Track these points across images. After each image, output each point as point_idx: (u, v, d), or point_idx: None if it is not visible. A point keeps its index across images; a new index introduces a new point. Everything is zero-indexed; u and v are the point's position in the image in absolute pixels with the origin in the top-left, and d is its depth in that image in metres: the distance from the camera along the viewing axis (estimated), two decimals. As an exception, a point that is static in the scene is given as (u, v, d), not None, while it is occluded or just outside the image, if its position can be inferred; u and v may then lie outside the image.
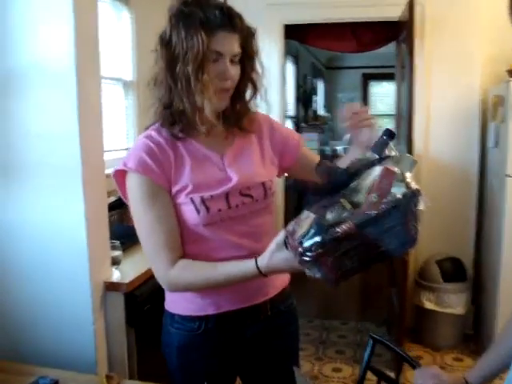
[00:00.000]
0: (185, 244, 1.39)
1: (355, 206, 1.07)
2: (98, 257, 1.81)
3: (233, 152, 1.45)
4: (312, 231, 1.07)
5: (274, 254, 1.20)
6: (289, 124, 6.75)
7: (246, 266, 1.27)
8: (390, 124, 8.67)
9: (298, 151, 1.59)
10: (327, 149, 8.07)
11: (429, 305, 3.57)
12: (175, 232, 1.37)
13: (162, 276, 1.35)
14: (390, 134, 1.17)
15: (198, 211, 1.35)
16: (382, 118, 8.61)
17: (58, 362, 1.77)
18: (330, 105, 9.10)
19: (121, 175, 1.38)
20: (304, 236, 1.08)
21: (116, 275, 1.97)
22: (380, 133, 1.19)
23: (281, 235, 1.18)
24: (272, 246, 1.21)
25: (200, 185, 1.36)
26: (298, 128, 7.27)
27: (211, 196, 1.36)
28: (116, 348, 1.92)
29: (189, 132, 1.39)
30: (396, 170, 1.09)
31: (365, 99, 9.14)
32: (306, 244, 1.07)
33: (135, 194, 1.36)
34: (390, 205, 1.05)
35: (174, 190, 1.36)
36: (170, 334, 1.50)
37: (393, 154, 1.13)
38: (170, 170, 1.36)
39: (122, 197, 1.43)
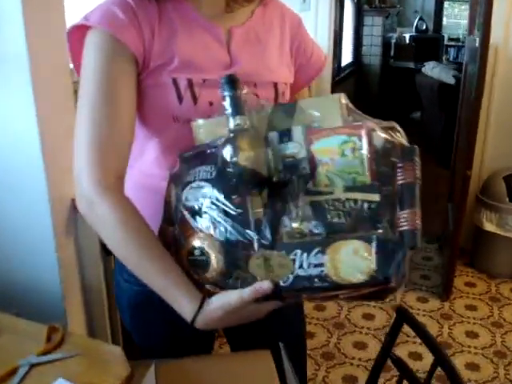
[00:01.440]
0: (138, 145, 1.05)
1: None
2: (60, 167, 1.39)
3: (244, 30, 1.10)
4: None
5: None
6: (348, 5, 5.97)
7: (182, 303, 0.92)
8: (465, 11, 7.85)
9: (311, 79, 1.25)
10: (394, 36, 7.35)
11: (489, 226, 3.10)
12: (127, 131, 0.99)
13: (84, 190, 0.95)
14: (229, 81, 0.92)
15: (180, 98, 1.01)
16: (456, 4, 7.68)
17: (19, 301, 1.44)
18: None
19: (78, 37, 1.00)
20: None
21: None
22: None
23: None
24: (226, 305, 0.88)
25: (191, 62, 1.02)
26: (358, 11, 6.51)
27: (203, 80, 1.02)
28: (90, 281, 1.57)
29: None
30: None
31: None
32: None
33: (89, 56, 0.98)
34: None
35: (153, 64, 1.00)
36: (120, 287, 1.17)
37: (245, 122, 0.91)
38: (150, 34, 0.99)
39: (76, 71, 1.05)
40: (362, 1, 6.66)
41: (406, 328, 1.28)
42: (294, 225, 0.86)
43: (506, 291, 3.10)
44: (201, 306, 0.89)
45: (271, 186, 0.88)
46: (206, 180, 0.90)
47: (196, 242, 0.90)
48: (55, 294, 1.48)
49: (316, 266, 0.83)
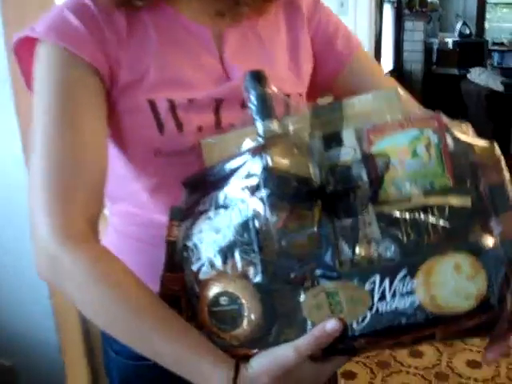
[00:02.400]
0: (115, 187, 0.84)
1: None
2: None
3: (240, 31, 0.87)
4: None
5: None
6: (387, 9, 5.73)
7: (207, 373, 0.67)
8: (507, 14, 7.53)
9: (347, 61, 0.95)
10: (435, 41, 7.11)
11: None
12: (95, 164, 0.76)
13: (44, 242, 0.70)
14: (256, 78, 0.74)
15: (159, 126, 0.78)
16: (498, 7, 7.32)
17: (14, 352, 1.30)
18: (440, -10, 7.85)
19: (29, 48, 0.78)
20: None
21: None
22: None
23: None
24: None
25: (171, 77, 0.80)
26: (399, 16, 6.27)
27: (189, 101, 0.79)
28: (93, 327, 1.37)
29: None
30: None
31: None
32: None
33: (39, 74, 0.76)
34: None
35: (123, 80, 0.78)
36: (109, 357, 0.92)
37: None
38: (115, 43, 0.78)
39: (30, 90, 0.81)
40: (402, 5, 6.41)
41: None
42: (358, 250, 0.66)
43: None
44: (237, 374, 0.65)
45: (324, 198, 0.68)
46: (224, 206, 0.70)
47: (221, 287, 0.68)
48: (52, 344, 1.30)
49: (403, 295, 0.63)
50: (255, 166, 0.68)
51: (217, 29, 0.84)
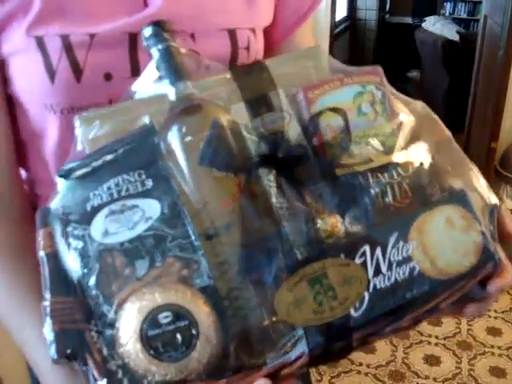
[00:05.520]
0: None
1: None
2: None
3: None
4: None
5: None
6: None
7: None
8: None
9: (305, 15, 0.80)
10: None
11: (509, 203, 2.77)
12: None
13: None
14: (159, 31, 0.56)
15: (50, 73, 0.60)
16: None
17: None
18: None
19: None
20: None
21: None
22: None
23: None
24: None
25: (65, 5, 0.60)
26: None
27: (91, 36, 0.60)
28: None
29: None
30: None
31: None
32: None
33: None
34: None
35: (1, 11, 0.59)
36: None
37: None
38: None
39: None
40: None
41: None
42: (320, 223, 0.54)
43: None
44: None
45: (274, 168, 0.55)
46: (140, 194, 0.53)
47: (155, 300, 0.50)
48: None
49: (400, 263, 0.54)
50: (173, 139, 0.53)
51: None
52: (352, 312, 0.52)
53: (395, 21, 6.80)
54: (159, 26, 0.56)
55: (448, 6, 7.54)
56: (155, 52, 0.56)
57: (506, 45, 2.21)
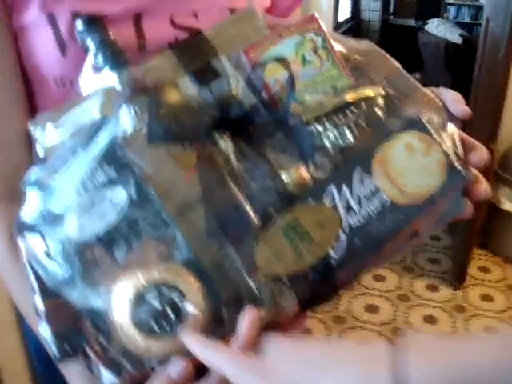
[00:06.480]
0: None
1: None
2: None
3: None
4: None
5: None
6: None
7: None
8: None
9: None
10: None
11: (508, 205, 2.75)
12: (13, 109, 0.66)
13: None
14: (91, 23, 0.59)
15: (61, 45, 0.63)
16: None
17: None
18: None
19: None
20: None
21: None
22: None
23: None
24: None
25: None
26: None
27: (100, 13, 0.63)
28: None
29: None
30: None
31: None
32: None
33: None
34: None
35: None
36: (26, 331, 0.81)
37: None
38: None
39: None
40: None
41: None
42: (285, 176, 0.55)
43: (525, 278, 2.79)
44: None
45: (230, 129, 0.57)
46: (105, 185, 0.54)
47: (137, 280, 0.51)
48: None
49: (369, 197, 0.54)
50: (126, 125, 0.54)
51: None
52: (331, 252, 0.53)
53: (399, 23, 6.81)
54: (89, 20, 0.59)
55: (452, 10, 7.53)
56: (91, 43, 0.59)
57: (507, 45, 2.21)
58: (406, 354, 0.41)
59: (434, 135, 0.57)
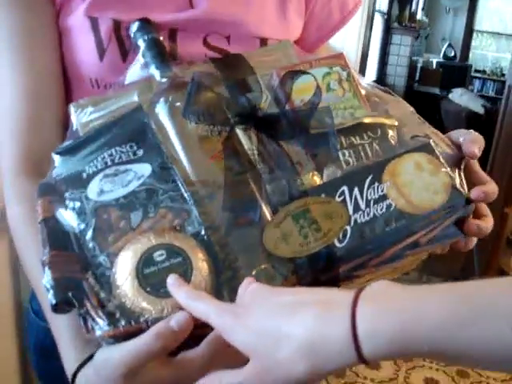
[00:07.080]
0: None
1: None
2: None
3: None
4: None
5: None
6: (377, 20, 5.68)
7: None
8: (492, 45, 7.55)
9: (331, 31, 0.86)
10: (420, 60, 7.12)
11: (520, 274, 2.72)
12: (52, 99, 0.71)
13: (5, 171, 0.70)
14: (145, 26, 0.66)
15: (100, 50, 0.68)
16: (484, 36, 7.36)
17: None
18: (430, 9, 7.80)
19: None
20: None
21: None
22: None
23: None
24: None
25: None
26: (388, 28, 6.24)
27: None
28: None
29: None
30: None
31: (472, 11, 7.75)
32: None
33: None
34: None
35: None
36: (28, 320, 0.84)
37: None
38: None
39: None
40: (392, 18, 6.36)
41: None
42: (299, 180, 0.61)
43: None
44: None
45: (257, 124, 0.62)
46: (133, 161, 0.59)
47: (149, 242, 0.54)
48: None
49: (377, 200, 0.60)
50: (161, 111, 0.60)
51: None
52: (336, 243, 0.57)
53: (423, 90, 6.87)
54: (145, 22, 0.65)
55: (477, 83, 7.63)
56: (141, 42, 0.64)
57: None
58: (364, 299, 0.44)
59: (442, 160, 0.63)
